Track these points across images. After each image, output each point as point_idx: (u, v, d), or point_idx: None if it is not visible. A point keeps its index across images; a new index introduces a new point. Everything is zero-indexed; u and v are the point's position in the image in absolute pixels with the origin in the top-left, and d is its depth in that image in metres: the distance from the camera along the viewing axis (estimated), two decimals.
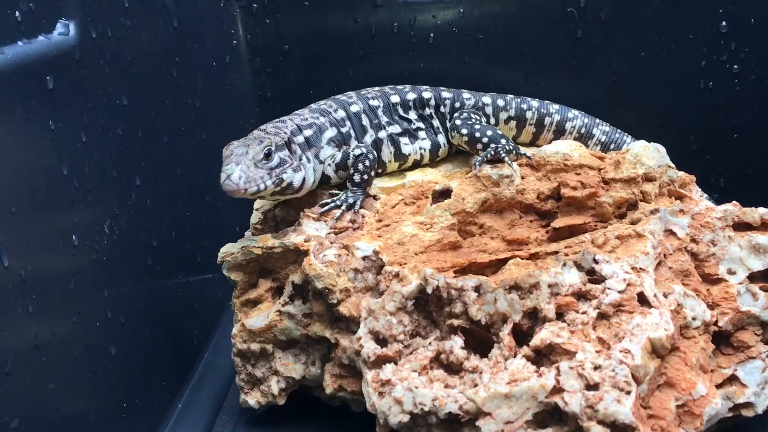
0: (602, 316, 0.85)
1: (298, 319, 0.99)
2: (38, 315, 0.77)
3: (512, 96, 1.16)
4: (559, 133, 1.16)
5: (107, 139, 0.95)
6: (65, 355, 0.82)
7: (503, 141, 1.05)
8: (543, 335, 0.84)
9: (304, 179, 1.01)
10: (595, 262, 0.89)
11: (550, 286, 0.87)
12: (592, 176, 1.01)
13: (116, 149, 0.97)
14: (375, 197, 1.07)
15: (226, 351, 1.18)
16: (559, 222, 1.00)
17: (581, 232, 0.99)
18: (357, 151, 1.04)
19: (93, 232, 0.90)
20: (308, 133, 1.05)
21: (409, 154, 1.11)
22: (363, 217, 1.03)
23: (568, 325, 0.85)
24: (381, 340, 0.89)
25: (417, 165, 1.13)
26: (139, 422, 0.97)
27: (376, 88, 1.15)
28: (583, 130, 1.16)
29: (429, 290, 0.89)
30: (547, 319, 0.86)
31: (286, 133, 1.02)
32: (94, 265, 0.89)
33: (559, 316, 0.87)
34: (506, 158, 1.02)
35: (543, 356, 0.85)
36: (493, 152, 1.03)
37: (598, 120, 1.17)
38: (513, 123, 1.16)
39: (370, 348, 0.89)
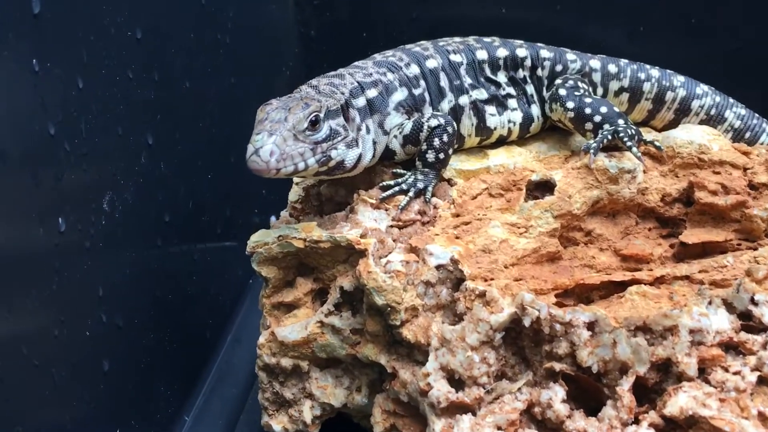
0: (763, 380, 0.63)
1: (345, 335, 0.77)
2: (3, 324, 0.55)
3: (627, 61, 0.92)
4: (682, 112, 0.92)
5: (113, 84, 0.72)
6: (41, 383, 0.61)
7: (621, 121, 0.81)
8: (683, 402, 0.63)
9: (360, 156, 0.78)
10: (754, 303, 0.67)
11: (691, 331, 0.65)
12: (736, 178, 0.79)
13: (124, 98, 0.74)
14: (449, 182, 0.84)
15: (245, 347, 0.99)
16: (691, 236, 0.78)
17: (719, 252, 0.78)
18: (433, 122, 0.80)
19: (87, 211, 0.68)
20: (372, 93, 0.81)
21: (495, 128, 0.87)
22: (435, 208, 0.80)
23: (716, 389, 0.63)
24: (456, 381, 0.69)
25: (502, 141, 0.89)
26: None
27: (457, 39, 0.90)
28: (712, 112, 0.91)
29: (526, 323, 0.67)
30: (685, 376, 0.65)
31: (343, 93, 0.79)
32: (86, 256, 0.68)
33: (700, 372, 0.65)
34: (632, 146, 0.78)
35: (677, 428, 0.63)
36: (611, 136, 0.80)
37: (732, 100, 0.93)
38: (625, 96, 0.91)
39: (441, 390, 0.68)
